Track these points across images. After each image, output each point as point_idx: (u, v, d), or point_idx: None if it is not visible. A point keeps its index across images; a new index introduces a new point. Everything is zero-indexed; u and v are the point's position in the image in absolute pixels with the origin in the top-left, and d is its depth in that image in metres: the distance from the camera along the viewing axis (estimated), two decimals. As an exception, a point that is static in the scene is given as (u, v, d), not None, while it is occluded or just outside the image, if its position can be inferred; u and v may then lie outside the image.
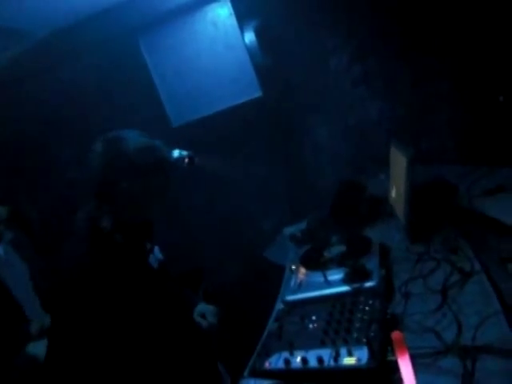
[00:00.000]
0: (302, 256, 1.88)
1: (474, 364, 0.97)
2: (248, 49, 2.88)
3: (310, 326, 1.34)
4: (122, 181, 1.32)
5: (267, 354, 1.27)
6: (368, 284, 1.44)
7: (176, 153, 1.51)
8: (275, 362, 1.22)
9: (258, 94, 2.94)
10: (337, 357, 1.12)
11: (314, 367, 1.14)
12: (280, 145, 3.09)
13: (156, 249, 1.58)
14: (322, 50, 2.84)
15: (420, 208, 1.73)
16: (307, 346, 1.22)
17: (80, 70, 3.07)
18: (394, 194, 2.01)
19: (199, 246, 3.18)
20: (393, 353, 1.05)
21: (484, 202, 1.73)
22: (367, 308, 1.31)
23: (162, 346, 1.40)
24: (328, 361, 1.13)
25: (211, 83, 3.02)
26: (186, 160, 1.52)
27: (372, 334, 1.17)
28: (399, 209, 1.86)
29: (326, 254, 1.78)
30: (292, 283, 1.67)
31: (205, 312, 1.67)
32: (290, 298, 1.58)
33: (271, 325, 1.49)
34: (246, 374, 1.27)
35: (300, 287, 1.62)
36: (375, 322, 1.23)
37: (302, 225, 2.35)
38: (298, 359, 1.18)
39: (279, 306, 1.62)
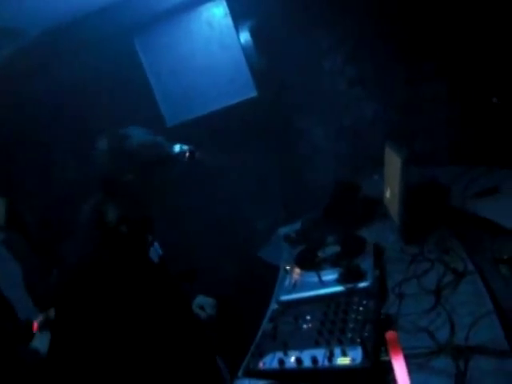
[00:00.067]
0: (296, 256, 1.88)
1: (467, 364, 0.98)
2: (243, 49, 2.87)
3: (305, 326, 1.34)
4: (126, 175, 1.38)
5: (261, 354, 1.27)
6: (362, 284, 1.44)
7: (177, 148, 1.53)
8: (269, 362, 1.22)
9: (253, 94, 2.93)
10: (331, 357, 1.13)
11: (308, 367, 1.14)
12: (275, 145, 3.09)
13: (156, 244, 1.62)
14: (318, 50, 2.84)
15: (414, 209, 1.73)
16: (301, 346, 1.22)
17: (75, 69, 3.05)
18: (388, 194, 2.01)
19: (194, 246, 3.18)
20: (387, 353, 1.06)
21: (477, 203, 1.74)
22: (361, 308, 1.32)
23: (162, 338, 1.42)
24: (322, 361, 1.13)
25: (206, 83, 3.01)
26: (187, 154, 1.54)
27: (366, 334, 1.17)
28: (393, 209, 1.87)
29: (321, 255, 1.78)
30: (286, 283, 1.67)
31: (203, 304, 1.75)
32: (285, 298, 1.58)
33: (265, 325, 1.49)
34: (240, 374, 1.27)
35: (294, 287, 1.62)
36: (369, 322, 1.23)
37: (297, 225, 2.35)
38: (292, 359, 1.18)
39: (273, 306, 1.62)
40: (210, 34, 2.91)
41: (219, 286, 2.09)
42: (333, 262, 1.67)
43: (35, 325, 1.95)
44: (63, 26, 2.78)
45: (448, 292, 1.31)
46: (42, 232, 2.73)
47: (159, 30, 2.98)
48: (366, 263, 1.56)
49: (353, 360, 1.09)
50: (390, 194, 1.95)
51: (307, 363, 1.14)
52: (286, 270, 1.77)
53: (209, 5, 2.87)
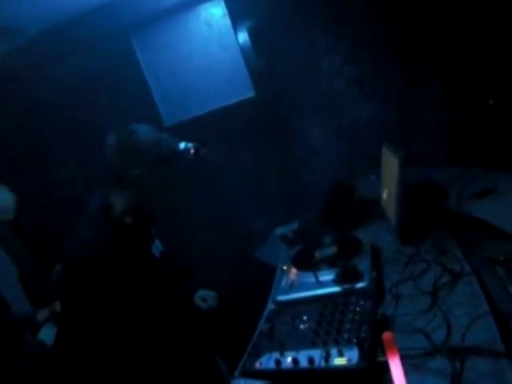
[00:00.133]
0: (293, 256, 1.88)
1: (463, 365, 0.98)
2: (241, 49, 2.87)
3: (301, 326, 1.34)
4: (133, 168, 1.43)
5: (258, 354, 1.27)
6: (359, 285, 1.45)
7: (182, 144, 1.57)
8: (266, 362, 1.22)
9: (251, 94, 2.93)
10: (327, 357, 1.13)
11: (304, 367, 1.14)
12: (273, 145, 3.09)
13: (157, 241, 1.67)
14: (316, 50, 2.85)
15: (411, 210, 1.74)
16: (298, 347, 1.23)
17: (72, 69, 3.04)
18: (385, 195, 2.02)
19: (190, 246, 3.17)
20: (383, 353, 1.06)
21: (474, 204, 1.75)
22: (358, 309, 1.32)
23: (165, 331, 1.45)
24: (319, 361, 1.13)
25: (204, 83, 3.00)
26: (192, 151, 1.57)
27: (363, 334, 1.18)
28: (390, 210, 1.87)
29: (318, 255, 1.78)
30: (283, 283, 1.67)
31: (205, 296, 1.84)
32: (282, 298, 1.58)
33: (262, 325, 1.49)
34: (236, 374, 1.27)
35: (291, 288, 1.62)
36: (366, 322, 1.23)
37: (294, 225, 2.35)
38: (289, 359, 1.18)
39: (270, 306, 1.62)
40: (209, 34, 2.91)
41: (216, 285, 2.09)
42: (330, 263, 1.68)
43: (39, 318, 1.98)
44: (61, 25, 2.77)
45: (444, 293, 1.31)
46: (39, 231, 2.72)
47: (157, 30, 2.97)
48: (363, 264, 1.56)
49: (349, 360, 1.09)
50: (387, 194, 1.96)
51: (304, 363, 1.15)
52: (283, 270, 1.77)
53: (207, 5, 2.86)
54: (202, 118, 3.02)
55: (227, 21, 2.84)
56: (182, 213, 3.18)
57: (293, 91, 2.94)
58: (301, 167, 3.11)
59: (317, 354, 1.16)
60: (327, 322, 1.30)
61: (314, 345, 1.21)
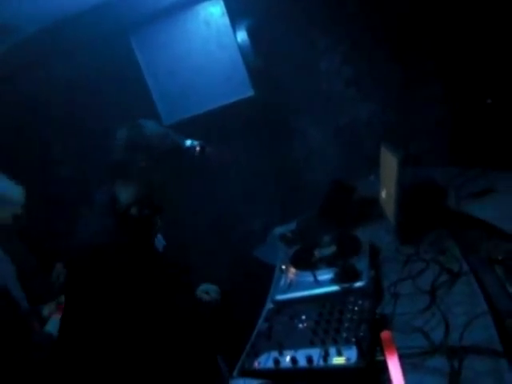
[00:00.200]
0: (292, 256, 1.88)
1: (461, 364, 0.98)
2: (240, 48, 2.87)
3: (300, 325, 1.34)
4: (141, 161, 1.47)
5: (256, 353, 1.27)
6: (358, 284, 1.45)
7: (188, 142, 1.60)
8: (264, 361, 1.22)
9: (249, 93, 2.93)
10: (326, 356, 1.13)
11: (303, 367, 1.14)
12: (271, 144, 3.09)
13: (160, 236, 1.70)
14: (314, 50, 2.84)
15: (409, 209, 1.74)
16: (296, 346, 1.22)
17: (71, 68, 3.04)
18: (384, 194, 2.02)
19: (189, 245, 3.17)
20: (382, 353, 1.06)
21: (473, 203, 1.75)
22: (356, 308, 1.32)
23: (167, 325, 1.45)
24: (317, 360, 1.13)
25: (203, 82, 3.01)
26: (198, 149, 1.60)
27: (361, 333, 1.18)
28: (389, 210, 1.87)
29: (316, 254, 1.78)
30: (282, 283, 1.67)
31: (208, 289, 1.88)
32: (280, 297, 1.58)
33: (261, 324, 1.49)
34: (235, 373, 1.27)
35: (290, 287, 1.62)
36: (364, 321, 1.23)
37: (293, 225, 2.35)
38: (288, 359, 1.18)
39: (269, 305, 1.62)
40: (207, 33, 2.91)
41: (215, 284, 2.09)
42: (328, 262, 1.68)
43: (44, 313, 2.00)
44: (60, 24, 2.77)
45: (443, 292, 1.31)
46: (39, 231, 2.72)
47: (156, 29, 2.98)
48: (362, 263, 1.56)
49: (348, 360, 1.09)
50: (386, 194, 1.96)
51: (302, 363, 1.14)
52: (281, 270, 1.77)
53: (206, 4, 2.86)
54: (200, 117, 3.02)
55: (226, 20, 2.85)
56: (181, 212, 3.17)
57: (292, 91, 2.94)
58: (300, 167, 3.11)
59: (315, 353, 1.15)
60: (326, 321, 1.30)
61: (312, 344, 1.21)
